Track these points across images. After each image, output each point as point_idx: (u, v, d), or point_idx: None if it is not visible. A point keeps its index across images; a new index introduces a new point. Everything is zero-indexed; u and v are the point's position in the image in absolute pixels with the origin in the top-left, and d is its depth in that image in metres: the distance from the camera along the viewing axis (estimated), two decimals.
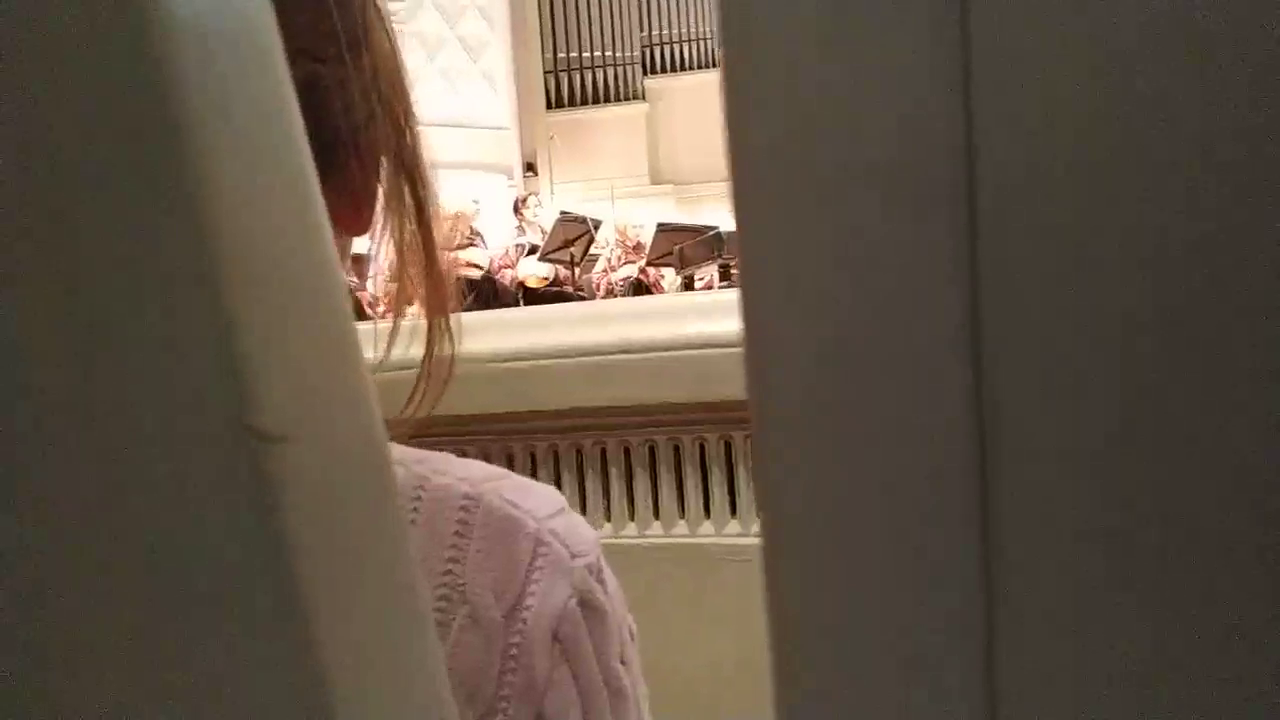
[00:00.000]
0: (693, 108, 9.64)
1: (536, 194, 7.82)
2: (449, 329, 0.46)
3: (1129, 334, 0.15)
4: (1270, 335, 0.14)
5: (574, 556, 0.42)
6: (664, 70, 9.78)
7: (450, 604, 0.40)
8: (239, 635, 0.19)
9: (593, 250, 5.99)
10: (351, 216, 0.43)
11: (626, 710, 0.43)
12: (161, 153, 0.17)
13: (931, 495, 0.15)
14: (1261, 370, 0.14)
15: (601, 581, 0.44)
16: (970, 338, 0.14)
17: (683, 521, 1.20)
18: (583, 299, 5.49)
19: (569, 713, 0.41)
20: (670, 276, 5.89)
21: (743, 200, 0.16)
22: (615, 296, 5.59)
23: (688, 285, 5.62)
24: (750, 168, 0.15)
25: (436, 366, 0.46)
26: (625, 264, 6.51)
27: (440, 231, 0.46)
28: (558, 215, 5.88)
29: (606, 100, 9.56)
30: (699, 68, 9.72)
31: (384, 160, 0.43)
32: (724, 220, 6.16)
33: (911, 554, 0.16)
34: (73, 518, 0.19)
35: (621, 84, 9.59)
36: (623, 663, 0.44)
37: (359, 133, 0.41)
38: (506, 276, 5.90)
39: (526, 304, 5.50)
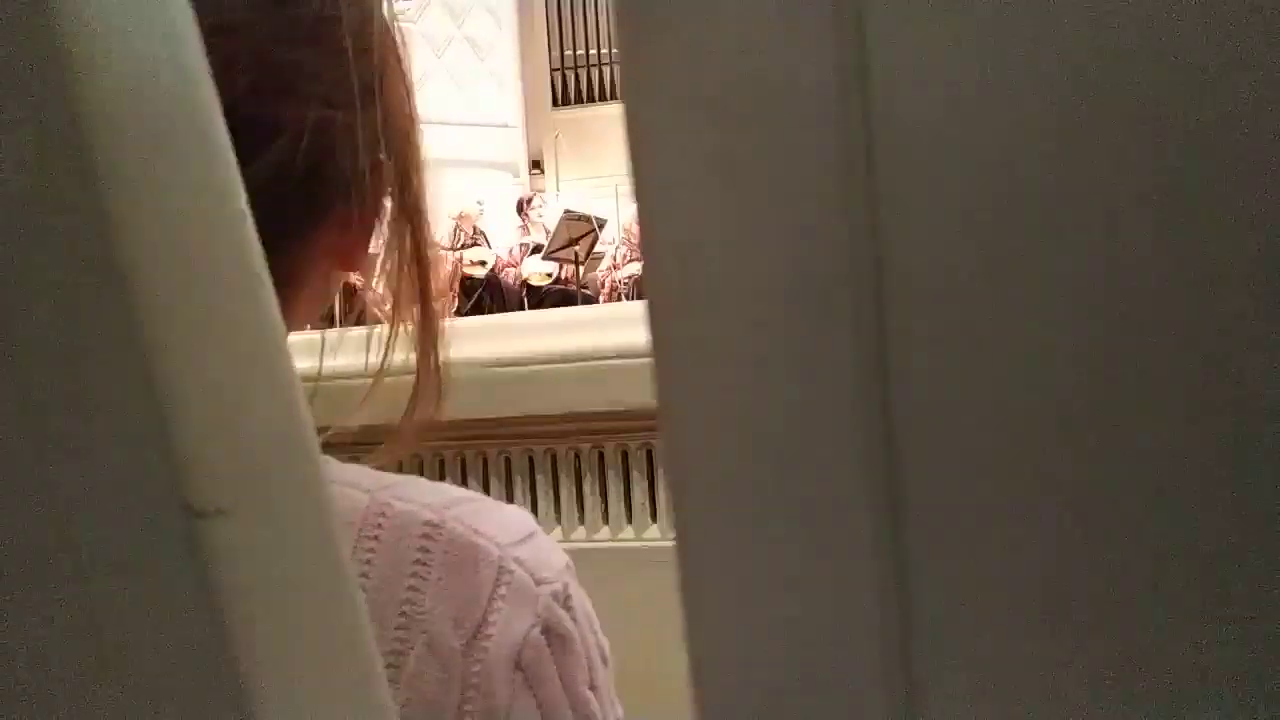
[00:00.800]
0: None
1: (542, 192, 7.82)
2: (438, 372, 0.47)
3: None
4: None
5: (539, 583, 0.42)
6: None
7: (409, 633, 0.40)
8: (179, 712, 0.19)
9: (597, 248, 5.99)
10: (349, 254, 0.45)
11: None
12: (95, 243, 0.18)
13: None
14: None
15: (569, 608, 0.43)
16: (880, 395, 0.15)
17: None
18: (588, 297, 5.49)
19: None
20: None
21: (653, 290, 0.17)
22: (620, 295, 5.59)
23: None
24: (658, 267, 0.16)
25: (421, 405, 0.46)
26: (630, 262, 6.51)
27: (438, 278, 0.47)
28: (562, 213, 5.88)
29: (613, 98, 9.55)
30: None
31: (388, 203, 0.45)
32: None
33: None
34: (15, 591, 0.19)
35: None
36: (592, 688, 0.44)
37: (364, 176, 0.42)
38: (510, 275, 5.91)
39: (530, 303, 5.51)
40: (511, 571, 0.41)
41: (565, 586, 0.44)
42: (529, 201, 6.73)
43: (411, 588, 0.40)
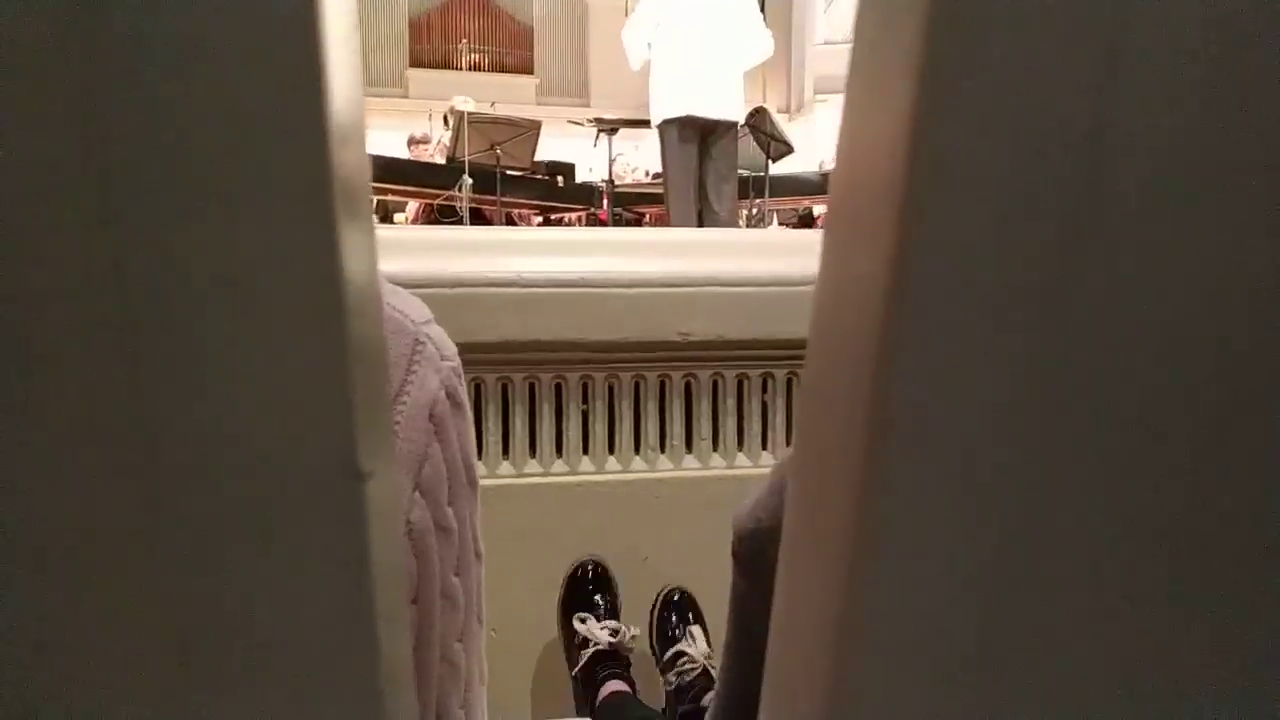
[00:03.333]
0: None
1: None
2: None
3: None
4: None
5: (443, 358, 0.49)
6: None
7: None
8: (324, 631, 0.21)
9: None
10: None
11: (476, 500, 0.52)
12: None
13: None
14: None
15: (463, 385, 0.50)
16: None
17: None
18: None
19: (440, 487, 0.48)
20: None
21: None
22: None
23: None
24: None
25: None
26: None
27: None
28: None
29: None
30: None
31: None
32: None
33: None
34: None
35: None
36: (475, 459, 0.52)
37: None
38: None
39: None
40: (423, 343, 0.48)
41: (459, 367, 0.51)
42: None
43: None
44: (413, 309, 0.49)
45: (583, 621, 1.18)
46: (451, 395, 0.49)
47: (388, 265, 1.15)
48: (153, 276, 0.19)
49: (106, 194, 0.19)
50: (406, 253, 1.16)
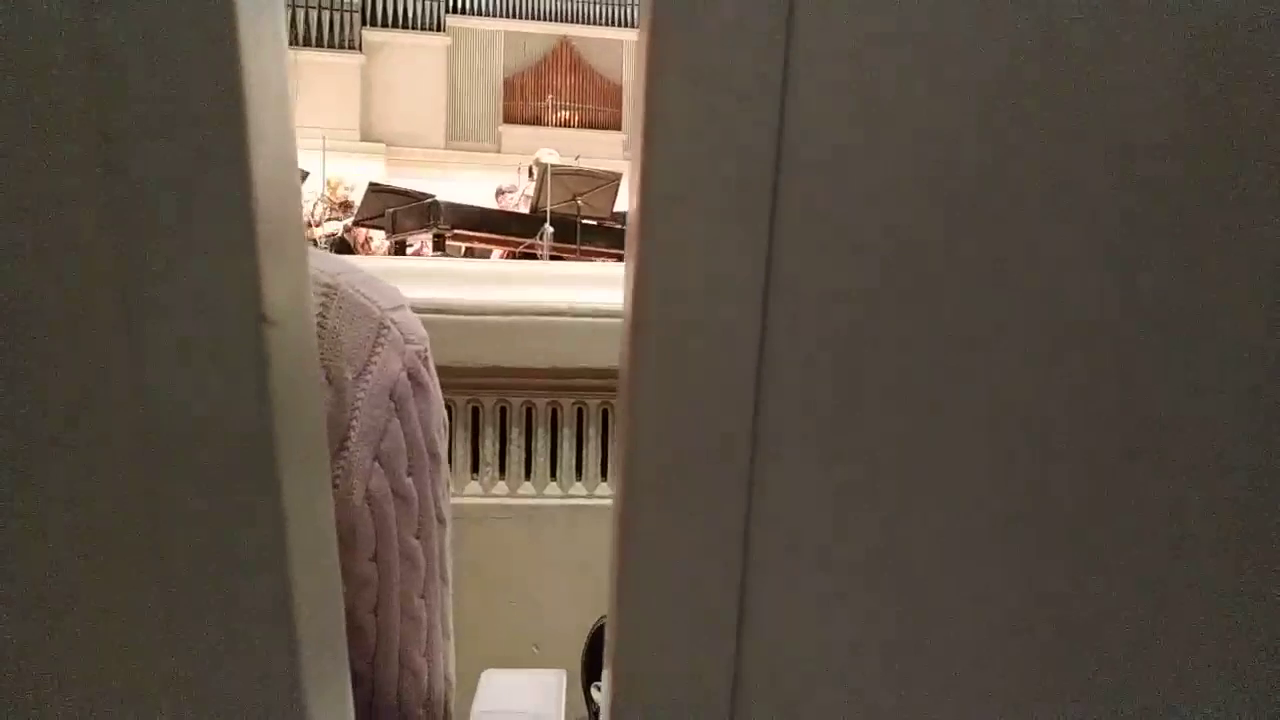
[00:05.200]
0: (409, 67, 9.37)
1: None
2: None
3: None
4: None
5: (408, 342, 0.54)
6: (384, 24, 9.41)
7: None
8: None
9: None
10: None
11: (439, 471, 0.57)
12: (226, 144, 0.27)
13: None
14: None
15: (428, 367, 0.55)
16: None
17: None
18: None
19: (399, 459, 0.53)
20: (380, 239, 5.77)
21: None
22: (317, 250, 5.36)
23: (399, 250, 5.54)
24: None
25: None
26: (330, 220, 6.24)
27: None
28: None
29: (321, 45, 9.02)
30: (420, 28, 9.47)
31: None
32: (438, 188, 6.12)
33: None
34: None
35: (339, 30, 9.10)
36: (438, 435, 0.57)
37: None
38: None
39: None
40: (388, 328, 0.53)
41: (426, 350, 0.56)
42: None
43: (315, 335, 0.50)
44: (382, 296, 0.54)
45: (599, 690, 1.20)
46: (414, 376, 0.54)
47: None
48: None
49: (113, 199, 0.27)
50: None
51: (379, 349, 0.52)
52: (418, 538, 0.55)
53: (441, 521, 0.58)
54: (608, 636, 0.33)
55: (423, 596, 0.56)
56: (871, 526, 0.30)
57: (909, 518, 0.30)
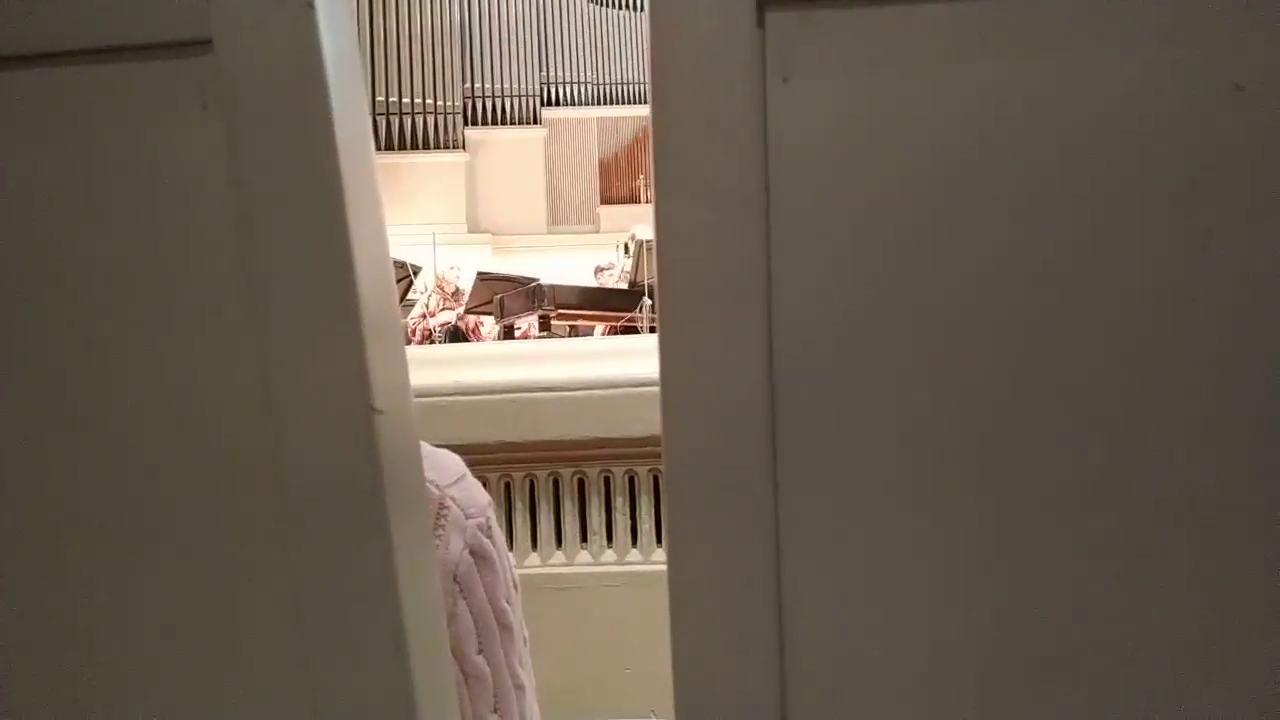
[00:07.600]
0: (510, 160, 9.82)
1: None
2: None
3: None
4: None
5: (468, 517, 0.55)
6: (484, 122, 9.92)
7: None
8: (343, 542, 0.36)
9: (410, 295, 6.03)
10: None
11: (513, 641, 0.57)
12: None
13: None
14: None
15: (490, 536, 0.56)
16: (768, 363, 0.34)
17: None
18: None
19: (468, 641, 0.54)
20: (490, 324, 6.02)
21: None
22: (433, 342, 5.64)
23: (507, 334, 5.76)
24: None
25: None
26: (444, 310, 6.54)
27: None
28: None
29: (428, 147, 9.59)
30: (518, 123, 9.94)
31: None
32: (542, 270, 6.36)
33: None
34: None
35: (444, 132, 9.66)
36: (508, 604, 0.58)
37: None
38: None
39: None
40: (448, 507, 0.54)
41: (488, 520, 0.57)
42: None
43: None
44: (441, 473, 0.54)
45: None
46: (476, 550, 0.54)
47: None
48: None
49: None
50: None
51: (439, 531, 0.53)
52: (495, 712, 0.55)
53: (520, 688, 0.57)
54: (673, 677, 0.37)
55: None
56: (885, 551, 0.34)
57: (918, 539, 0.34)
